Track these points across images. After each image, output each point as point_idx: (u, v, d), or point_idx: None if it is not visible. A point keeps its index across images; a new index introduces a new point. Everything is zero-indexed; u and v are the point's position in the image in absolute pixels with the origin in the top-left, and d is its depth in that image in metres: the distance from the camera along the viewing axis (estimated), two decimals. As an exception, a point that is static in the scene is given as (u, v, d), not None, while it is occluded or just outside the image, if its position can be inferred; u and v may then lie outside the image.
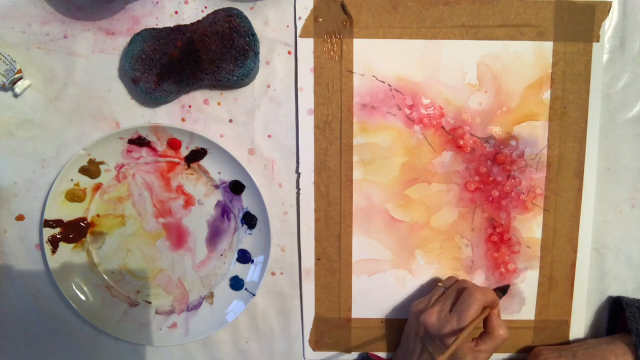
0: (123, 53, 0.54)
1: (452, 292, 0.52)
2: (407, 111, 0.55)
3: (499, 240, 0.57)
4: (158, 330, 0.58)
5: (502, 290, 0.53)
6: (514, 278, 0.57)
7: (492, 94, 0.55)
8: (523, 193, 0.56)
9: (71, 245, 0.57)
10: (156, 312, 0.58)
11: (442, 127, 0.56)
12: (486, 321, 0.51)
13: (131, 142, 0.55)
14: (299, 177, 0.56)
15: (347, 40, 0.54)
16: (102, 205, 0.57)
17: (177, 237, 0.58)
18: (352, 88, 0.55)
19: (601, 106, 0.55)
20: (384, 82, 0.55)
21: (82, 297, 0.57)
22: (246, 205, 0.57)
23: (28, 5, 0.54)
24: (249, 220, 0.57)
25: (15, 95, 0.55)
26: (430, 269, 0.57)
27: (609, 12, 0.54)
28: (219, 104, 0.56)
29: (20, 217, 0.57)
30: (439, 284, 0.54)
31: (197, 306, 0.58)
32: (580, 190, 0.56)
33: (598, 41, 0.54)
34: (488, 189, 0.56)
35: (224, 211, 0.57)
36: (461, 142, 0.56)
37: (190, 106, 0.56)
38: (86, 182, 0.56)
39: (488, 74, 0.55)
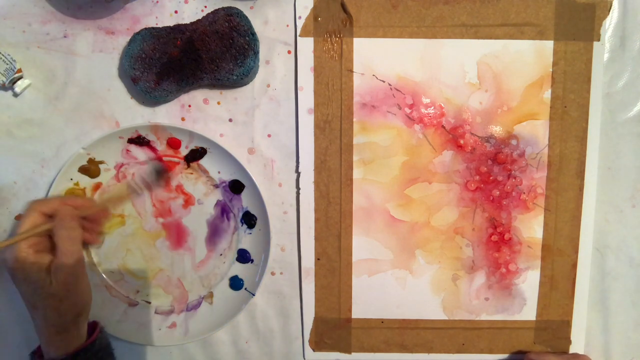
0: (123, 52, 0.54)
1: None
2: (408, 110, 0.55)
3: (499, 240, 0.57)
4: (157, 330, 0.58)
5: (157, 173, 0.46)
6: (515, 278, 0.57)
7: (493, 93, 0.55)
8: (524, 193, 0.56)
9: (71, 245, 0.57)
10: (156, 312, 0.58)
11: (443, 127, 0.55)
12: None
13: (131, 141, 0.55)
14: (298, 176, 0.56)
15: (347, 40, 0.54)
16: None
17: (177, 236, 0.57)
18: (352, 87, 0.55)
19: (602, 105, 0.55)
20: (384, 82, 0.55)
21: (82, 297, 0.57)
22: (246, 205, 0.56)
23: (28, 4, 0.54)
24: (249, 220, 0.57)
25: (15, 95, 0.55)
26: (431, 269, 0.57)
27: (609, 11, 0.54)
28: (218, 103, 0.55)
29: (19, 217, 0.57)
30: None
31: (196, 306, 0.58)
32: (581, 189, 0.56)
33: (599, 40, 0.54)
34: (489, 188, 0.56)
35: (223, 211, 0.57)
36: (461, 142, 0.55)
37: (190, 105, 0.55)
38: (86, 182, 0.56)
39: (488, 73, 0.55)
